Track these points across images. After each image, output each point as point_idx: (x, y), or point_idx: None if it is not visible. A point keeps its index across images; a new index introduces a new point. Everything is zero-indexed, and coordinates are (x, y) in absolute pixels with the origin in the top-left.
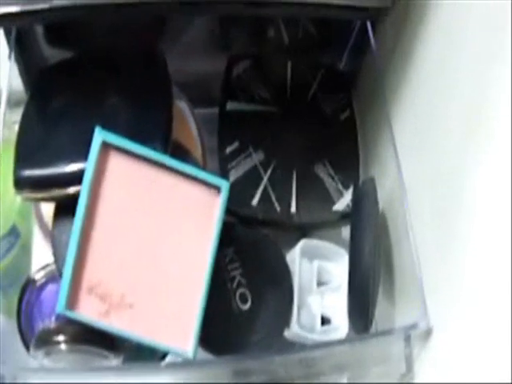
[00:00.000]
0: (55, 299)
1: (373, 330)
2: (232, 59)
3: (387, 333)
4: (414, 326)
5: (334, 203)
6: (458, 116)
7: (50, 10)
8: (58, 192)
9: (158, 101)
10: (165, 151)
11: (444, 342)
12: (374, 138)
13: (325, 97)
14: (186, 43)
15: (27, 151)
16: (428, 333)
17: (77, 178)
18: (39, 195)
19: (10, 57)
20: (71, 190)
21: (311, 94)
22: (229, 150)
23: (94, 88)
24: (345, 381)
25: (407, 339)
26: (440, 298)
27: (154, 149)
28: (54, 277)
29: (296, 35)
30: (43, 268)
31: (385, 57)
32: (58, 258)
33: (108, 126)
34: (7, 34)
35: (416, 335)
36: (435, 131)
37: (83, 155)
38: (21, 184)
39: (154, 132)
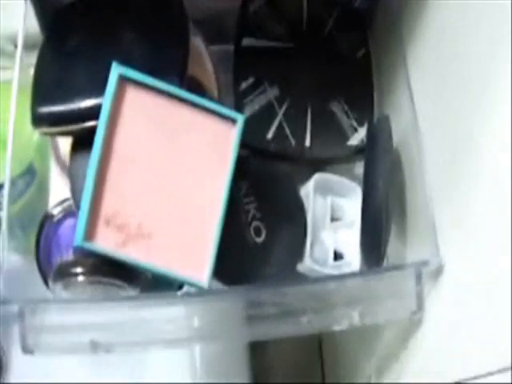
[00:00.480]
0: (72, 233)
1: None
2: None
3: (399, 267)
4: (425, 263)
5: (347, 138)
6: (476, 58)
7: None
8: (75, 126)
9: (175, 36)
10: (181, 85)
11: (454, 279)
12: (389, 77)
13: (340, 34)
14: None
15: (44, 89)
16: (439, 270)
17: (94, 112)
18: (57, 130)
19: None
20: (88, 124)
21: (327, 32)
22: (244, 85)
23: (110, 25)
24: (356, 315)
25: (418, 276)
26: (451, 237)
27: (171, 83)
28: (71, 211)
29: None
30: (60, 203)
31: None
32: (76, 191)
33: (125, 62)
34: None
35: (427, 273)
36: (451, 72)
37: (100, 91)
38: (39, 120)
39: (170, 67)
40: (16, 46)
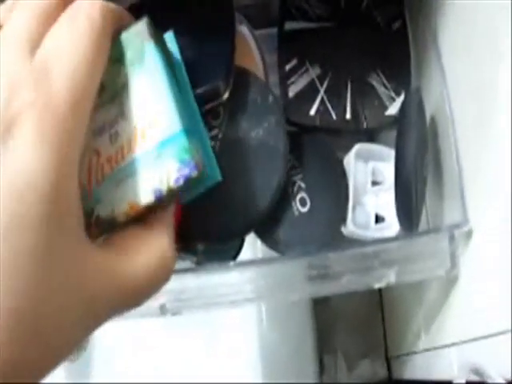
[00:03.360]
0: None
1: (425, 225)
2: None
3: (432, 231)
4: (456, 226)
5: (386, 108)
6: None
7: None
8: None
9: (221, 36)
10: (227, 84)
11: (483, 241)
12: (423, 47)
13: (377, 7)
14: None
15: None
16: (469, 232)
17: None
18: None
19: None
20: None
21: (364, 6)
22: (288, 67)
23: (162, 26)
24: (393, 274)
25: (451, 237)
26: (480, 203)
27: (218, 88)
28: None
29: None
30: None
31: None
32: None
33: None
34: None
35: (460, 234)
36: (480, 42)
37: None
38: None
39: (216, 69)
40: None
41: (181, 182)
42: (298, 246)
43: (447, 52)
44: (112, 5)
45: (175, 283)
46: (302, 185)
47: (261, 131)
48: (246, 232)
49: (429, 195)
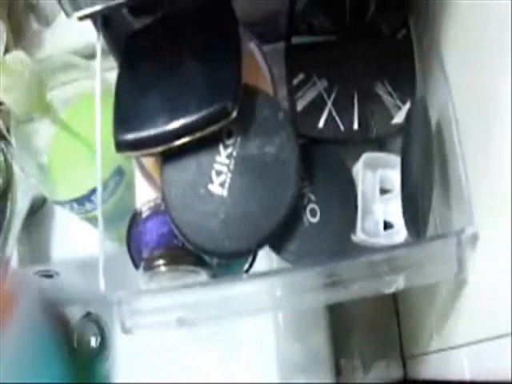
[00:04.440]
0: (157, 230)
1: (433, 231)
2: None
3: (439, 237)
4: (462, 231)
5: (392, 117)
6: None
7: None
8: (157, 149)
9: (228, 58)
10: (235, 105)
11: (490, 245)
12: (427, 55)
13: (382, 17)
14: None
15: (124, 116)
16: (475, 237)
17: (173, 134)
18: (140, 153)
19: (98, 38)
20: (160, 148)
21: (369, 17)
22: (295, 81)
23: (173, 50)
24: (401, 280)
25: (459, 242)
26: (485, 207)
27: (226, 107)
28: (156, 211)
29: None
30: (147, 202)
31: None
32: (169, 206)
33: (184, 88)
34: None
35: (467, 239)
36: (483, 51)
37: (175, 114)
38: (121, 147)
39: (224, 91)
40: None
41: None
42: (309, 256)
43: (451, 60)
44: None
45: (191, 296)
46: (312, 196)
47: (273, 147)
48: (260, 247)
49: (436, 200)
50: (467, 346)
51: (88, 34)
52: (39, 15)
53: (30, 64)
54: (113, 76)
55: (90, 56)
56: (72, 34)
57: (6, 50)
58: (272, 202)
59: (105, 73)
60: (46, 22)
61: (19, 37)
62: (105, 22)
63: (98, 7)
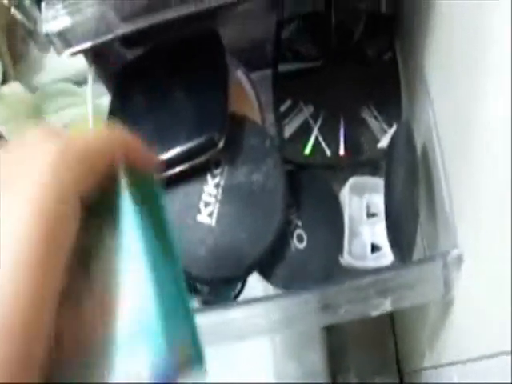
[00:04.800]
0: None
1: (420, 251)
2: (280, 23)
3: (425, 260)
4: (448, 253)
5: (378, 141)
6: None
7: (117, 37)
8: None
9: (215, 89)
10: (222, 135)
11: (475, 265)
12: (412, 78)
13: (368, 42)
14: (240, 14)
15: None
16: (460, 258)
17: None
18: None
19: (89, 70)
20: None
21: (355, 42)
22: (282, 108)
23: (163, 82)
24: (388, 302)
25: (444, 264)
26: (470, 229)
27: (213, 138)
28: None
29: None
30: None
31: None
32: None
33: (173, 119)
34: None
35: (452, 260)
36: (467, 76)
37: (168, 143)
38: None
39: (211, 122)
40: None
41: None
42: (298, 281)
43: (436, 84)
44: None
45: None
46: (299, 222)
47: (260, 175)
48: (249, 273)
49: (422, 222)
50: (456, 365)
51: (82, 61)
52: (39, 42)
53: (27, 95)
54: (106, 102)
55: (85, 81)
56: (67, 60)
57: (5, 79)
58: (259, 230)
59: (97, 99)
60: (46, 48)
61: (19, 63)
62: (96, 54)
63: (87, 44)
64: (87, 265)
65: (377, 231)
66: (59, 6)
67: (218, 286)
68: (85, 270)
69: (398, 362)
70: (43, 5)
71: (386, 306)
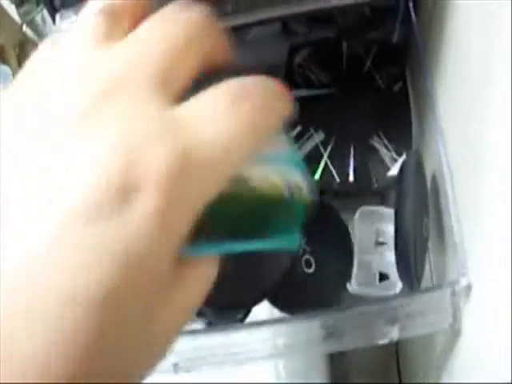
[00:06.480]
0: None
1: (429, 280)
2: (292, 50)
3: (433, 289)
4: (456, 282)
5: (388, 169)
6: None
7: None
8: None
9: None
10: None
11: (483, 295)
12: (423, 108)
13: (379, 71)
14: (252, 39)
15: None
16: (469, 287)
17: None
18: None
19: None
20: None
21: (366, 71)
22: (293, 134)
23: None
24: (396, 331)
25: (452, 293)
26: (478, 259)
27: None
28: None
29: (348, 17)
30: None
31: (428, 29)
32: None
33: None
34: None
35: (460, 289)
36: (476, 105)
37: None
38: None
39: None
40: None
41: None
42: (303, 306)
43: (446, 112)
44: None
45: (188, 343)
46: (307, 248)
47: None
48: (259, 301)
49: (431, 251)
50: None
51: None
52: None
53: None
54: None
55: None
56: None
57: None
58: (272, 259)
59: None
60: None
61: None
62: None
63: None
64: None
65: (385, 260)
66: (74, 17)
67: (228, 310)
68: None
69: None
70: (57, 16)
71: (394, 334)
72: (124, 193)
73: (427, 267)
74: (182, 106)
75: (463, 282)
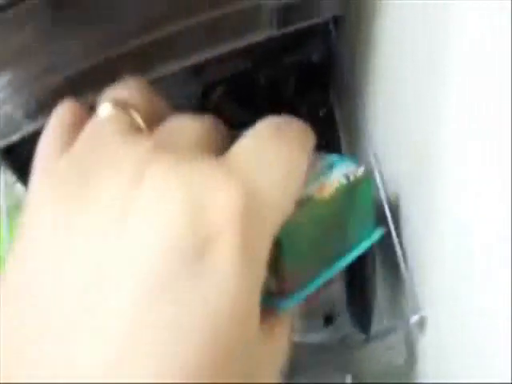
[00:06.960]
0: None
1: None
2: (205, 88)
3: (384, 331)
4: (408, 320)
5: None
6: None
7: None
8: None
9: None
10: None
11: (437, 330)
12: (355, 130)
13: (301, 96)
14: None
15: None
16: (422, 322)
17: None
18: None
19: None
20: None
21: (288, 99)
22: None
23: None
24: (349, 380)
25: (406, 331)
26: (430, 293)
27: None
28: None
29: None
30: None
31: (354, 43)
32: None
33: None
34: None
35: (414, 325)
36: (402, 122)
37: None
38: None
39: None
40: None
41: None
42: None
43: (379, 138)
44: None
45: None
46: None
47: None
48: None
49: (381, 288)
50: None
51: None
52: None
53: None
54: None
55: None
56: None
57: None
58: None
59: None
60: None
61: None
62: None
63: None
64: None
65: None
66: None
67: None
68: None
69: None
70: None
71: (348, 380)
72: (202, 246)
73: (378, 303)
74: (228, 154)
75: (416, 318)
